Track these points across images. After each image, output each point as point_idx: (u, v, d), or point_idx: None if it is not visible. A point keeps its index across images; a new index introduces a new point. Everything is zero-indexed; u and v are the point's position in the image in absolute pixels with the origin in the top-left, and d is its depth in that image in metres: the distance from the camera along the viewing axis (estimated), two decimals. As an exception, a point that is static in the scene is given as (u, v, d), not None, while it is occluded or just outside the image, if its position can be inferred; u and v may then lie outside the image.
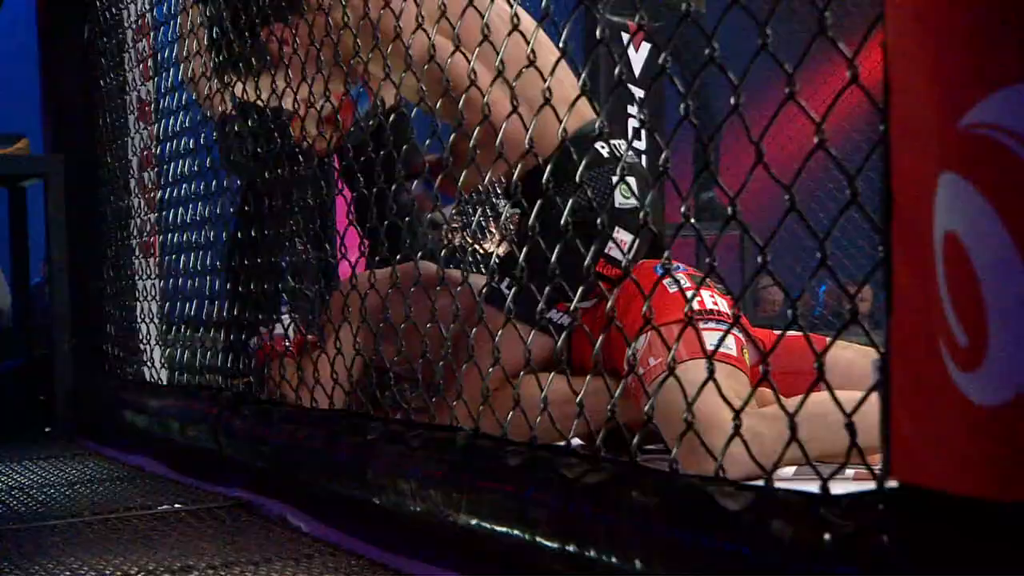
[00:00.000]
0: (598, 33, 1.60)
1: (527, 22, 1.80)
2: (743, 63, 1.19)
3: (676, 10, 1.31)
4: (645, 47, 5.13)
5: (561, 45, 1.61)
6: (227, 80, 2.56)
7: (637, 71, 5.14)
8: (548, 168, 1.70)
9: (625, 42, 4.73)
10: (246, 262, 2.57)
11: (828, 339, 1.36)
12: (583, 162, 1.80)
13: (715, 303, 2.28)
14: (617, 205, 2.35)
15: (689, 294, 2.06)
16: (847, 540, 1.03)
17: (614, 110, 5.29)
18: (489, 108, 1.73)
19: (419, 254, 2.11)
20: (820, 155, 1.10)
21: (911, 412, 0.95)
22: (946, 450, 0.90)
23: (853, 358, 2.17)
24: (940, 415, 0.91)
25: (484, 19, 1.67)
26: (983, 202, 0.85)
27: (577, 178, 1.73)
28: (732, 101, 1.23)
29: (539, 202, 1.65)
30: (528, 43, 1.58)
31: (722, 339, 1.88)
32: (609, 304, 1.59)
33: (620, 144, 2.43)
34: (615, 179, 2.35)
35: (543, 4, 1.58)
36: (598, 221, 1.61)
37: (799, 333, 1.21)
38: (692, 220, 1.39)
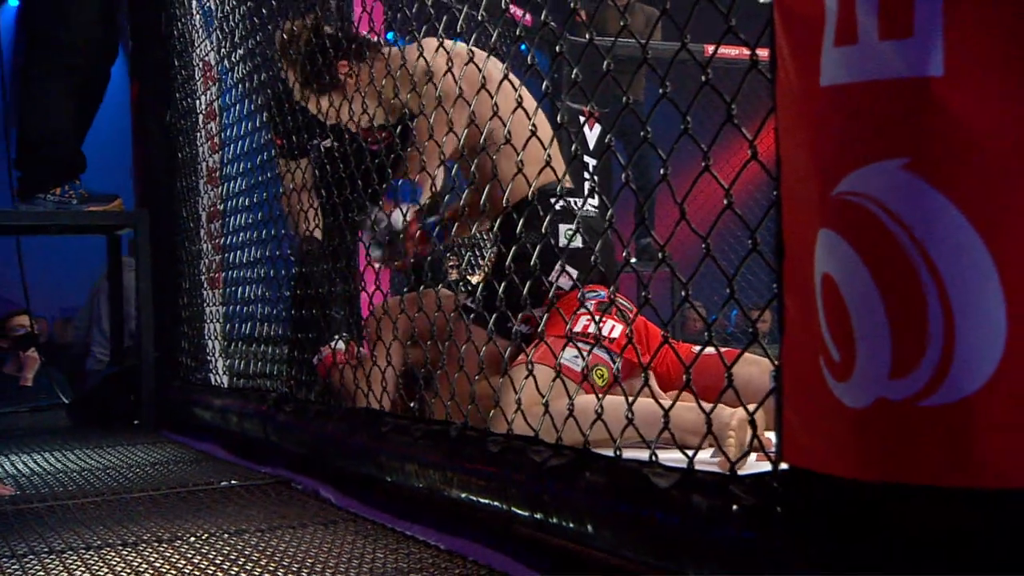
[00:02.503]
0: (559, 118, 1.61)
1: (530, 104, 1.80)
2: (676, 132, 1.20)
3: (619, 100, 1.32)
4: (597, 127, 5.16)
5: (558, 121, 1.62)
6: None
7: (591, 145, 5.16)
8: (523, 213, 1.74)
9: (581, 123, 4.76)
10: (308, 291, 2.56)
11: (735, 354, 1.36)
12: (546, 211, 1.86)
13: (595, 328, 2.20)
14: (561, 246, 2.32)
15: (581, 318, 2.04)
16: (750, 510, 1.03)
17: (574, 175, 5.31)
18: (496, 168, 1.77)
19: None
20: (740, 202, 1.11)
21: (798, 411, 0.95)
22: (824, 441, 0.90)
23: (752, 374, 2.04)
24: (820, 414, 0.91)
25: (494, 98, 1.66)
26: (851, 252, 0.85)
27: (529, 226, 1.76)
28: (662, 171, 1.23)
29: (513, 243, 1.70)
30: (530, 118, 1.58)
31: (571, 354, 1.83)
32: (540, 327, 1.66)
33: (578, 201, 2.41)
34: (564, 227, 2.32)
35: (515, 96, 1.58)
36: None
37: (713, 351, 1.21)
38: (632, 260, 1.41)
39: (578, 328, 2.19)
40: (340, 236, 2.46)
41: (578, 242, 2.29)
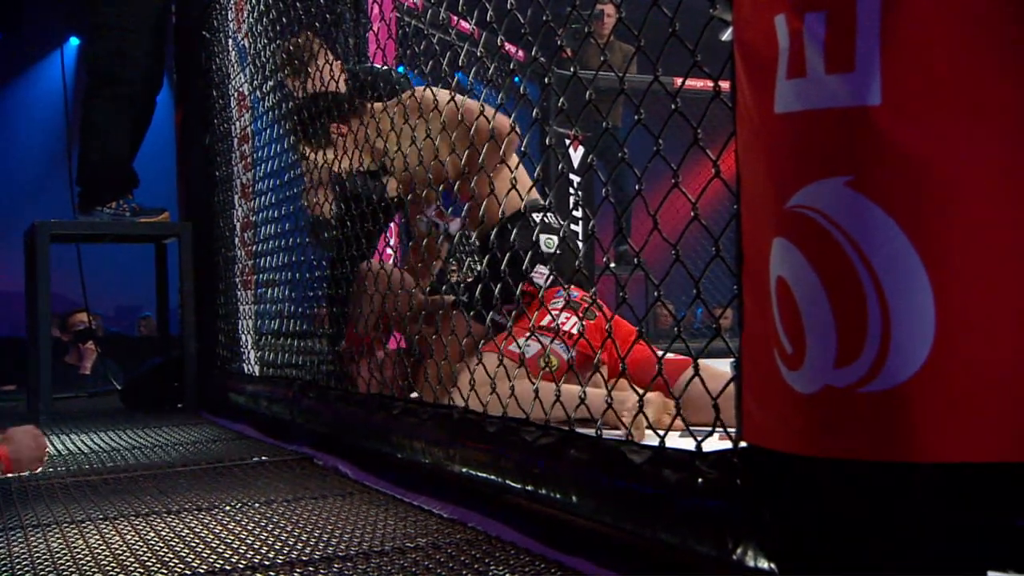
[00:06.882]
0: (547, 140, 1.61)
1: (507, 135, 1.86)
2: (650, 153, 1.20)
3: (600, 125, 1.32)
4: (581, 149, 5.16)
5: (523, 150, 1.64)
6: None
7: (576, 164, 5.16)
8: (499, 227, 1.79)
9: (567, 145, 4.76)
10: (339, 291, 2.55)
11: (689, 359, 1.35)
12: (521, 223, 1.93)
13: (560, 323, 2.21)
14: (541, 251, 2.31)
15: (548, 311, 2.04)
16: (714, 482, 1.02)
17: (560, 190, 5.31)
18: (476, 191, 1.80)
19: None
20: (705, 214, 1.11)
21: (755, 396, 0.95)
22: (777, 422, 0.90)
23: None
24: (774, 399, 0.90)
25: (470, 130, 1.68)
26: (802, 258, 0.84)
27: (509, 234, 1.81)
28: (637, 187, 1.23)
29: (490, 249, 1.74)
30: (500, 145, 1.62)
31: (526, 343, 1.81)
32: (511, 321, 1.68)
33: (555, 215, 2.41)
34: (542, 235, 2.33)
35: (510, 121, 1.58)
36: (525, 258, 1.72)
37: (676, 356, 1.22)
38: (612, 265, 1.40)
39: (543, 322, 2.20)
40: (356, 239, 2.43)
41: (553, 248, 2.29)
